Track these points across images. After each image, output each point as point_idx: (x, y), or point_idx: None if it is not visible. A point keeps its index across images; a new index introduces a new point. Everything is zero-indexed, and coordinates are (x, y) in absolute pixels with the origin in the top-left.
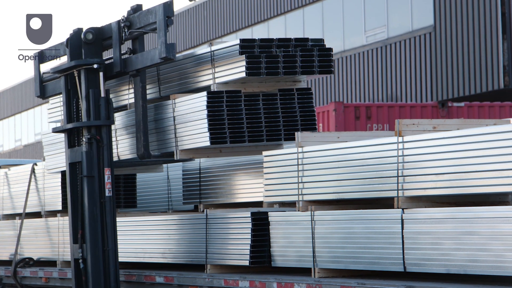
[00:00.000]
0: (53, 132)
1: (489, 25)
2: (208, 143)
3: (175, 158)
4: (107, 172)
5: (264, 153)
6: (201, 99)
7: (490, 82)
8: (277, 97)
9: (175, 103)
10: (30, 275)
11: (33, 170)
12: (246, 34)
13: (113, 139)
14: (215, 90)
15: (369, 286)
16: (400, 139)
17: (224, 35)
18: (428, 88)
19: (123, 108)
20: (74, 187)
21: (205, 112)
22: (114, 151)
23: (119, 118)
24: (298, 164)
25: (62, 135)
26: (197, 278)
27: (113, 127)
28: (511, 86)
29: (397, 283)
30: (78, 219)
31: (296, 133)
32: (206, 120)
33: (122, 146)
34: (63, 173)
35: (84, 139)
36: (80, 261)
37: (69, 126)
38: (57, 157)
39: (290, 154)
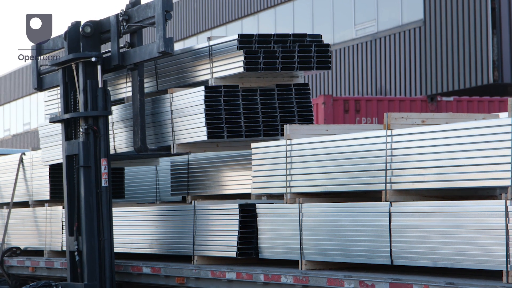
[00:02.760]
0: (50, 122)
1: (479, 19)
2: (205, 138)
3: (172, 152)
4: (103, 163)
5: (253, 145)
6: (198, 93)
7: (480, 77)
8: (275, 92)
9: (172, 97)
10: (17, 264)
11: (21, 160)
12: (236, 27)
13: (110, 132)
14: (213, 84)
15: (356, 279)
16: (389, 132)
17: (213, 27)
18: (417, 82)
19: (120, 101)
20: (70, 179)
21: (203, 106)
22: (111, 144)
23: (116, 111)
24: (286, 157)
25: (59, 127)
26: (184, 269)
27: (110, 120)
28: (501, 81)
29: (384, 276)
30: (74, 212)
31: (285, 125)
32: (203, 115)
33: (119, 139)
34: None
35: (81, 130)
36: (76, 253)
37: (66, 116)
38: (54, 149)
39: (279, 146)
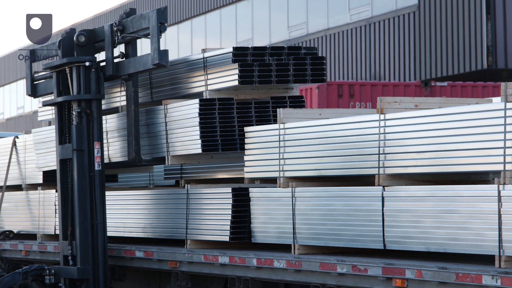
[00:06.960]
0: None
1: (473, 5)
2: (199, 150)
3: (167, 164)
4: (96, 146)
5: (246, 129)
6: (193, 106)
7: (474, 62)
8: (269, 104)
9: (167, 109)
10: (10, 248)
11: (14, 143)
12: (230, 11)
13: (105, 141)
14: (207, 97)
15: (348, 263)
16: (382, 116)
17: (207, 11)
18: (411, 67)
19: (114, 110)
20: (64, 184)
21: (197, 119)
22: (105, 153)
23: (110, 121)
24: (279, 141)
25: (53, 133)
26: (177, 253)
27: (104, 129)
28: (495, 67)
29: (376, 260)
30: (68, 216)
31: (278, 109)
32: (198, 128)
33: (113, 148)
34: None
35: (74, 113)
36: (69, 257)
37: (60, 99)
38: (48, 155)
39: (272, 130)
